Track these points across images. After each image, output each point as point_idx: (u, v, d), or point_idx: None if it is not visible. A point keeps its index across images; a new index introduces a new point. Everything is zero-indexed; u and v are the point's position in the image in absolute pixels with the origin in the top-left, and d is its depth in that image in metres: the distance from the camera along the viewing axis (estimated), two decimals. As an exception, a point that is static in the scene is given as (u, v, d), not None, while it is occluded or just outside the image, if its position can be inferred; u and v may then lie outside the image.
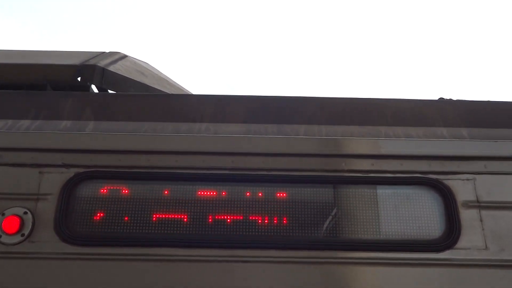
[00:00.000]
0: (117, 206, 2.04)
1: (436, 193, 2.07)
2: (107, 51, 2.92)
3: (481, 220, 2.01)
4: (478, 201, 2.05)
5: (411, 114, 2.35)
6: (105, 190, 2.07)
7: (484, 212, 2.03)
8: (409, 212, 2.04)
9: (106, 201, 2.05)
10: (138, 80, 2.75)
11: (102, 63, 2.66)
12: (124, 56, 2.95)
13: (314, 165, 2.10)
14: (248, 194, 2.07)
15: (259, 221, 2.02)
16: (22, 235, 1.96)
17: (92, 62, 2.64)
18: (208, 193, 2.08)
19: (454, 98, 2.57)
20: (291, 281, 1.91)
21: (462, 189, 2.06)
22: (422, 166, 2.11)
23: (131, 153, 2.11)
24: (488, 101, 2.50)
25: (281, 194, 2.08)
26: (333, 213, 2.06)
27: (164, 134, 2.19)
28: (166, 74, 3.28)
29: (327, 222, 2.04)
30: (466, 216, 2.02)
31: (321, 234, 2.03)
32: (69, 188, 2.04)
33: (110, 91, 2.71)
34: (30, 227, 1.97)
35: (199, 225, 2.02)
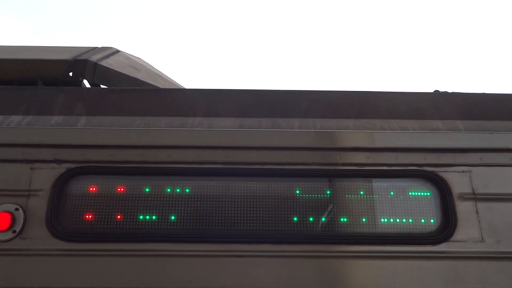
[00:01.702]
0: (110, 202, 2.03)
1: (432, 186, 2.08)
2: (99, 46, 2.93)
3: (477, 212, 2.02)
4: (474, 193, 2.06)
5: (406, 107, 2.36)
6: (97, 186, 2.06)
7: (480, 204, 2.04)
8: (405, 205, 2.05)
9: (99, 196, 2.04)
10: (130, 75, 2.75)
11: (94, 58, 2.66)
12: (117, 51, 2.95)
13: (309, 159, 2.11)
14: (242, 188, 2.07)
15: (254, 215, 2.02)
16: (14, 231, 1.95)
17: (84, 57, 2.64)
18: (202, 187, 2.07)
19: (450, 91, 2.57)
20: (286, 276, 1.92)
21: (458, 182, 2.07)
22: (418, 158, 2.11)
23: (123, 148, 2.11)
24: (484, 93, 2.51)
25: (275, 188, 2.08)
26: (328, 207, 2.06)
27: (157, 129, 2.19)
28: (159, 69, 3.28)
29: (323, 216, 2.05)
30: (462, 208, 2.03)
31: (316, 228, 2.03)
32: (60, 184, 2.04)
33: (102, 86, 2.70)
34: (21, 223, 1.96)
35: (193, 219, 2.01)
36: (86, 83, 2.69)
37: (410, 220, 2.03)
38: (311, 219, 2.03)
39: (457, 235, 1.98)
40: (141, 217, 2.02)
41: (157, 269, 1.92)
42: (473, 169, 2.09)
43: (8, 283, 1.89)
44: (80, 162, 2.08)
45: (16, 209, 1.98)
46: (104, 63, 2.67)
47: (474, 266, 1.94)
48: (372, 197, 2.07)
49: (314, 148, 2.14)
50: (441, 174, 2.08)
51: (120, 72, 2.71)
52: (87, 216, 2.01)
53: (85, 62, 2.59)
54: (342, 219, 2.03)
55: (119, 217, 2.01)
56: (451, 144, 2.15)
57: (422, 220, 2.03)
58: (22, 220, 1.97)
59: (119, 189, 2.06)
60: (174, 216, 2.02)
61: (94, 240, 1.96)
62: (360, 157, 2.12)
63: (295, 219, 2.02)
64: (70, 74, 2.58)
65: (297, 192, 2.08)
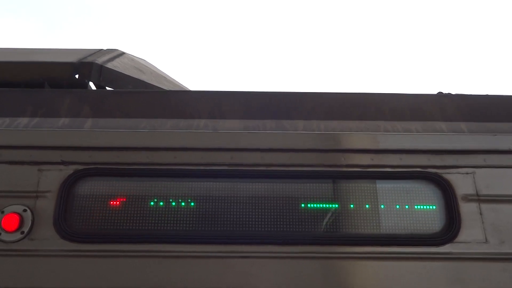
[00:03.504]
0: (116, 203, 2.09)
1: (436, 187, 2.13)
2: (105, 48, 2.98)
3: (480, 214, 2.07)
4: (477, 195, 2.10)
5: (410, 108, 2.40)
6: (104, 187, 2.13)
7: (483, 206, 2.08)
8: (409, 206, 2.10)
9: (105, 198, 2.09)
10: (136, 77, 2.79)
11: (99, 60, 2.70)
12: (122, 53, 2.98)
13: (313, 160, 2.16)
14: (247, 189, 2.12)
15: (259, 216, 2.07)
16: (22, 232, 2.01)
17: (89, 59, 2.69)
18: (207, 189, 2.12)
19: (453, 92, 2.61)
20: (291, 277, 1.95)
21: (461, 183, 2.12)
22: (422, 160, 2.16)
23: (129, 150, 2.17)
24: (487, 95, 2.56)
25: (280, 190, 2.13)
26: (333, 208, 2.11)
27: (162, 131, 2.24)
28: (163, 71, 3.32)
29: (327, 217, 2.10)
30: (466, 209, 2.07)
31: (321, 229, 2.08)
32: (68, 185, 2.09)
33: (108, 88, 2.74)
34: (29, 224, 2.02)
35: (198, 221, 2.07)
36: (92, 85, 2.73)
37: (414, 222, 2.08)
38: (315, 220, 2.08)
39: (461, 236, 2.02)
40: (147, 218, 2.07)
41: (163, 270, 1.96)
42: (477, 170, 2.14)
43: (16, 284, 1.94)
44: (87, 163, 2.13)
45: (24, 210, 2.04)
46: (109, 65, 2.71)
47: (478, 267, 1.98)
48: (376, 198, 2.12)
49: (318, 149, 2.18)
50: (444, 175, 2.13)
51: (125, 74, 2.74)
52: (94, 217, 2.06)
53: (91, 64, 2.63)
54: (346, 220, 2.08)
55: (126, 218, 2.06)
56: (455, 146, 2.19)
57: (426, 222, 2.08)
58: (30, 221, 2.02)
59: (125, 191, 2.12)
60: (180, 217, 2.07)
61: (101, 241, 2.01)
62: (364, 159, 2.16)
63: (299, 220, 2.07)
64: (76, 76, 2.62)
65: (302, 193, 2.12)
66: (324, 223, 2.09)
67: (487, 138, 2.22)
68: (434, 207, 2.11)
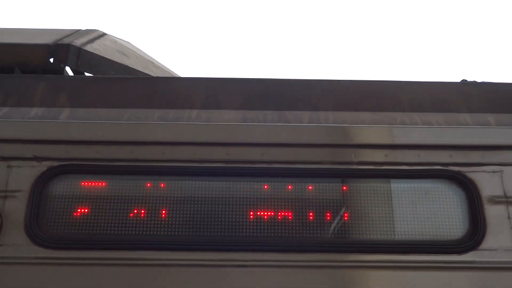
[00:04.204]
0: (96, 205, 2.02)
1: (459, 188, 2.07)
2: (84, 28, 2.93)
3: (509, 218, 2.01)
4: (506, 196, 2.03)
5: (430, 98, 2.35)
6: (82, 186, 2.05)
7: None
8: (428, 209, 2.04)
9: (84, 198, 2.03)
10: (118, 61, 2.76)
11: (77, 42, 2.64)
12: (103, 34, 2.96)
13: (320, 157, 2.10)
14: (245, 189, 2.06)
15: (259, 220, 2.01)
16: (-12, 238, 1.93)
17: (66, 41, 2.63)
18: (200, 189, 2.06)
19: (479, 80, 2.57)
20: None
21: (487, 183, 2.05)
22: (443, 157, 2.10)
23: (111, 144, 2.11)
24: None
25: (283, 190, 2.07)
26: (342, 211, 2.06)
27: (149, 123, 2.19)
28: (150, 55, 3.31)
29: (336, 221, 2.04)
30: (492, 213, 2.01)
31: (329, 235, 2.02)
32: (41, 184, 2.03)
33: (87, 74, 2.71)
34: None
35: (190, 225, 2.00)
36: (69, 70, 2.68)
37: (434, 226, 2.03)
38: (322, 224, 2.03)
39: (487, 243, 1.97)
40: (132, 222, 2.00)
41: (150, 280, 1.91)
42: (505, 168, 2.07)
43: None
44: (63, 159, 2.07)
45: None
46: (89, 47, 2.66)
47: (505, 277, 1.92)
48: (391, 200, 2.06)
49: (326, 144, 2.12)
50: (468, 174, 2.07)
51: (107, 58, 2.70)
52: (71, 221, 1.99)
53: (68, 46, 2.58)
54: (357, 225, 2.03)
55: (107, 222, 2.01)
56: (481, 141, 2.13)
57: (447, 226, 2.03)
58: (-3, 225, 1.94)
59: (106, 190, 2.05)
60: (169, 221, 2.01)
61: (79, 247, 1.95)
62: (378, 155, 2.10)
63: (304, 224, 2.02)
64: (51, 60, 2.57)
65: (307, 194, 2.07)
66: (333, 228, 2.04)
67: None
68: (456, 210, 2.06)
